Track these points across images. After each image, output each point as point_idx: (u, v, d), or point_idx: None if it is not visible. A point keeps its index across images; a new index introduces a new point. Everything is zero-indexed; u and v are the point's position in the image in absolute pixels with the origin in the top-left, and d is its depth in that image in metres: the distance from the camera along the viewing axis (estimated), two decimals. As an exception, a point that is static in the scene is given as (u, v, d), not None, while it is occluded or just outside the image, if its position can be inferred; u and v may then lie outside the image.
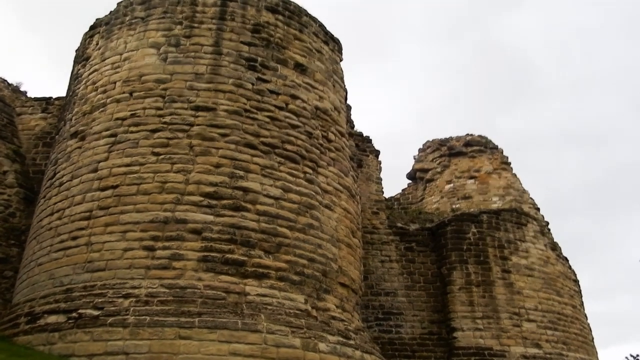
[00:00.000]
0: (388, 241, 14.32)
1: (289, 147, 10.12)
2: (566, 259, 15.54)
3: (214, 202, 8.99)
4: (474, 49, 65.09)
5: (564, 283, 14.65)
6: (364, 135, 16.06)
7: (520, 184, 17.24)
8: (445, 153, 17.95)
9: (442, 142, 18.25)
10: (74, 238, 8.83)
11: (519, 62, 64.27)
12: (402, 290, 13.70)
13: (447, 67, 64.84)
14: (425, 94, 65.05)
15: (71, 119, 10.67)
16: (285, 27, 11.32)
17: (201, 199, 8.95)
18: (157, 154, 9.30)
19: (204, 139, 9.50)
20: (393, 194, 18.70)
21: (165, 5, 10.89)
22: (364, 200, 14.90)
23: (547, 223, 16.21)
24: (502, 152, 17.82)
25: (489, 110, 63.67)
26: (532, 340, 13.06)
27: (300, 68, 11.11)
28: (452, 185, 17.27)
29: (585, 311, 15.84)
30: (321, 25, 12.28)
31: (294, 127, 10.41)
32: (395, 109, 64.28)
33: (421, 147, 18.94)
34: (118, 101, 10.03)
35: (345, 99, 13.46)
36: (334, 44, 12.56)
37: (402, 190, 18.90)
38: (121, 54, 10.63)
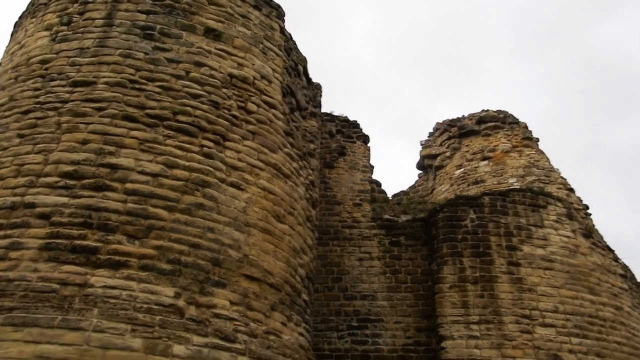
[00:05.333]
0: (370, 236, 12.13)
1: (182, 118, 8.65)
2: (609, 249, 12.24)
3: (72, 182, 7.69)
4: (568, 62, 59.75)
5: (601, 278, 11.42)
6: (351, 120, 14.16)
7: (548, 161, 14.18)
8: (455, 134, 15.39)
9: (452, 123, 15.71)
10: None
11: (620, 70, 57.99)
12: (383, 293, 11.37)
13: (540, 83, 59.97)
14: (521, 112, 60.11)
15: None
16: (197, -8, 10.02)
17: (58, 179, 7.70)
18: (22, 136, 8.26)
19: (75, 115, 8.32)
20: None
21: (66, -14, 10.11)
22: (344, 191, 12.98)
23: (586, 207, 13.03)
24: (524, 127, 14.87)
25: (593, 125, 57.66)
26: (548, 351, 10.06)
27: (212, 34, 9.70)
28: (462, 170, 14.63)
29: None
30: (251, -10, 10.85)
31: (194, 96, 8.95)
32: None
33: (431, 130, 16.45)
34: (3, 88, 9.25)
35: (303, 70, 11.88)
36: (271, 9, 11.03)
37: (415, 182, 16.44)
38: (20, 42, 9.95)
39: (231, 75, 9.53)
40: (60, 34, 9.39)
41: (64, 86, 8.68)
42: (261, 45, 10.36)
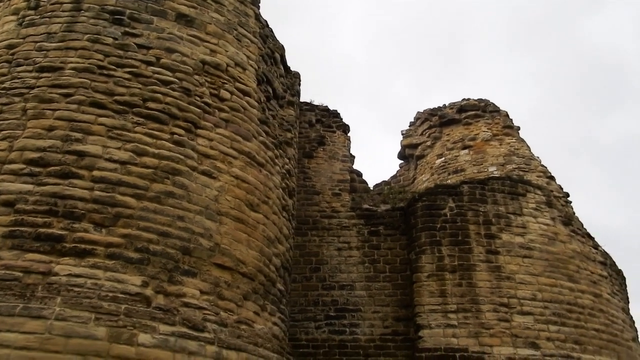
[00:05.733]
0: (349, 225, 12.02)
1: (152, 105, 8.47)
2: (589, 236, 12.23)
3: (37, 169, 7.49)
4: (558, 56, 59.85)
5: (580, 265, 11.40)
6: (331, 109, 14.01)
7: (529, 149, 14.14)
8: (436, 123, 15.29)
9: (433, 112, 15.60)
10: None
11: (611, 63, 58.24)
12: (361, 282, 11.28)
13: (531, 77, 60.06)
14: (511, 106, 59.72)
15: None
16: (170, -23, 9.82)
17: (23, 166, 7.49)
18: (-14, 124, 8.06)
19: (41, 101, 8.11)
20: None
21: (35, -30, 9.87)
22: (324, 181, 12.86)
23: (567, 194, 13.00)
24: (505, 115, 14.81)
25: (583, 118, 57.88)
26: (526, 339, 10.03)
27: (184, 19, 9.52)
28: (443, 159, 14.55)
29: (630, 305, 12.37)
30: (226, -24, 10.65)
31: (165, 83, 8.77)
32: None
33: (412, 120, 16.33)
34: (-32, 76, 9.01)
35: (280, 58, 11.72)
36: (246, -5, 10.87)
37: (396, 172, 16.34)
38: (-13, 28, 9.71)
39: (203, 62, 9.35)
40: (27, 18, 9.15)
41: (30, 72, 8.45)
42: (235, 32, 10.19)
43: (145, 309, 6.88)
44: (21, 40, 8.90)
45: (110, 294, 6.78)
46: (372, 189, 15.02)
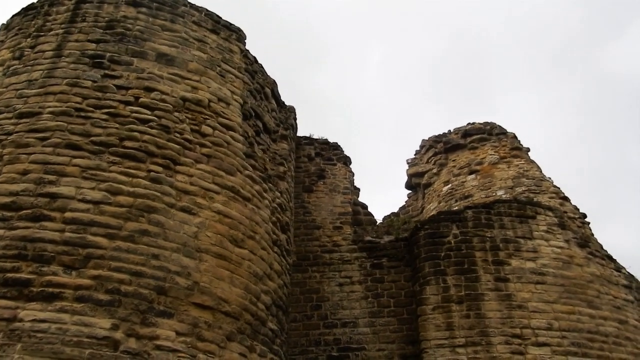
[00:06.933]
0: (351, 259, 11.53)
1: (129, 143, 8.38)
2: (610, 258, 11.38)
3: (9, 214, 7.40)
4: (581, 84, 58.80)
5: (601, 290, 10.55)
6: (331, 142, 13.75)
7: (539, 170, 13.45)
8: (441, 150, 14.82)
9: (438, 138, 15.15)
10: None
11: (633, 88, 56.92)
12: (364, 319, 10.68)
13: (557, 108, 58.88)
14: (539, 138, 57.98)
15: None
16: (150, 19, 9.92)
17: (-5, 212, 7.45)
18: (-35, 171, 8.07)
19: (18, 146, 8.11)
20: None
21: (22, 23, 10.15)
22: (324, 215, 12.48)
23: (583, 215, 12.22)
24: (513, 137, 14.24)
25: (610, 144, 56.17)
26: (543, 372, 9.21)
27: (165, 58, 9.53)
28: (449, 185, 13.98)
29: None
30: (209, 14, 10.73)
31: (143, 121, 8.70)
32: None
33: (417, 148, 15.87)
34: (-44, 125, 9.15)
35: (271, 93, 11.61)
36: (230, 32, 10.88)
37: (405, 202, 15.78)
38: (-24, 81, 9.93)
39: (184, 99, 9.29)
40: (11, 68, 9.32)
41: (10, 118, 8.51)
42: (218, 68, 10.14)
43: (111, 353, 6.55)
44: (4, 89, 9.02)
45: (75, 339, 6.49)
46: (381, 221, 14.53)
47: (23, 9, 10.63)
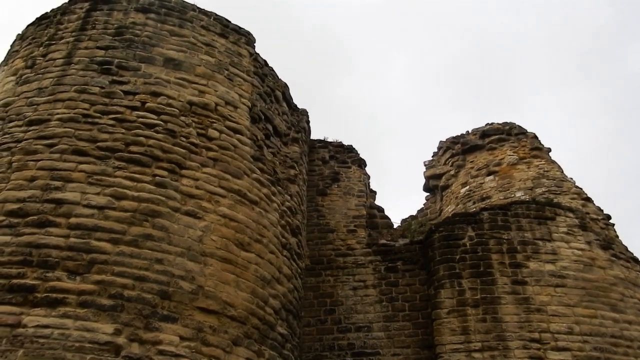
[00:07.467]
0: (365, 263, 11.34)
1: (134, 148, 8.41)
2: (636, 260, 10.90)
3: (16, 220, 7.49)
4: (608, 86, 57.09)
5: (625, 293, 10.11)
6: (345, 145, 13.60)
7: (560, 170, 12.99)
8: (459, 151, 14.47)
9: (455, 140, 14.81)
10: None
11: None
12: (379, 323, 10.47)
13: (585, 109, 57.32)
14: (571, 141, 55.92)
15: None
16: (159, 25, 9.99)
17: (3, 218, 7.51)
18: (-26, 180, 8.22)
19: (26, 153, 8.22)
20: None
21: (35, 32, 10.34)
22: (338, 218, 12.33)
23: (608, 217, 11.75)
24: (533, 137, 13.81)
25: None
26: (563, 378, 8.85)
27: (172, 63, 9.56)
28: (467, 187, 13.63)
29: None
30: (218, 19, 10.75)
31: (149, 126, 8.74)
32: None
33: (435, 150, 15.56)
34: (-26, 134, 9.36)
35: (282, 96, 11.55)
36: (239, 36, 10.87)
37: (423, 205, 15.48)
38: (-9, 91, 10.14)
39: (191, 103, 9.29)
40: (23, 77, 9.49)
41: (20, 126, 8.66)
42: (226, 72, 10.12)
43: (112, 358, 6.54)
44: (16, 97, 9.19)
45: (77, 344, 6.50)
46: (399, 224, 14.28)
47: (37, 18, 10.84)
